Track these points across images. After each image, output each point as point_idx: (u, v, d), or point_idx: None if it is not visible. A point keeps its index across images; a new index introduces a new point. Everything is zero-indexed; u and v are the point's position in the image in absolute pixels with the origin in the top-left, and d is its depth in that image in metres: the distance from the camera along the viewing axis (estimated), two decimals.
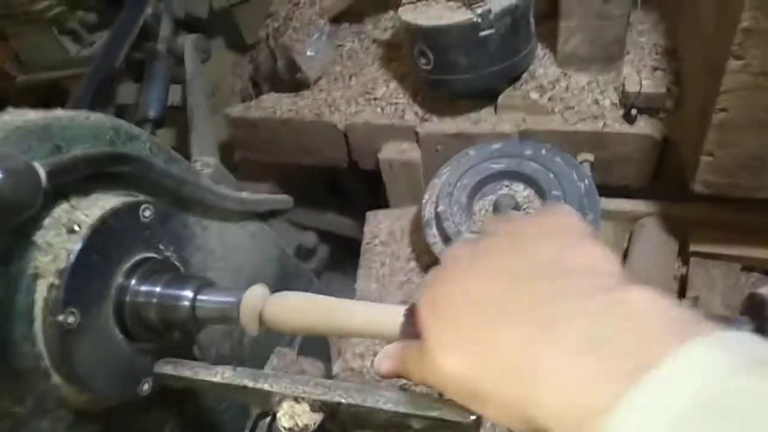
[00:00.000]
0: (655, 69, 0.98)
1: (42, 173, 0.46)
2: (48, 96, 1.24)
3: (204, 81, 1.23)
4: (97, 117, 0.57)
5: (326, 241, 1.49)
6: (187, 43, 1.20)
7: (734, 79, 0.71)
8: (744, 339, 0.24)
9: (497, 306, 0.31)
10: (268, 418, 0.77)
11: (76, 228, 0.50)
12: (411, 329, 0.39)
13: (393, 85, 1.16)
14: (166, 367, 0.53)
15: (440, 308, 0.34)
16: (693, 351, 0.23)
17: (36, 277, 0.48)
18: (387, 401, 0.44)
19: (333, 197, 1.54)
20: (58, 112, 0.56)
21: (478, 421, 0.41)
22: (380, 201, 1.25)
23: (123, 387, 0.55)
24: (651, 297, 0.27)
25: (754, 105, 0.72)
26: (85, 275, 0.50)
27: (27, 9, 1.02)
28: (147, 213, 0.57)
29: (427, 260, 0.95)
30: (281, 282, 0.92)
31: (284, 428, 0.47)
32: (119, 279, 0.54)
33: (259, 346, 0.86)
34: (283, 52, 1.29)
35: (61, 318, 0.48)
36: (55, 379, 0.50)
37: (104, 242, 0.52)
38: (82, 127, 0.55)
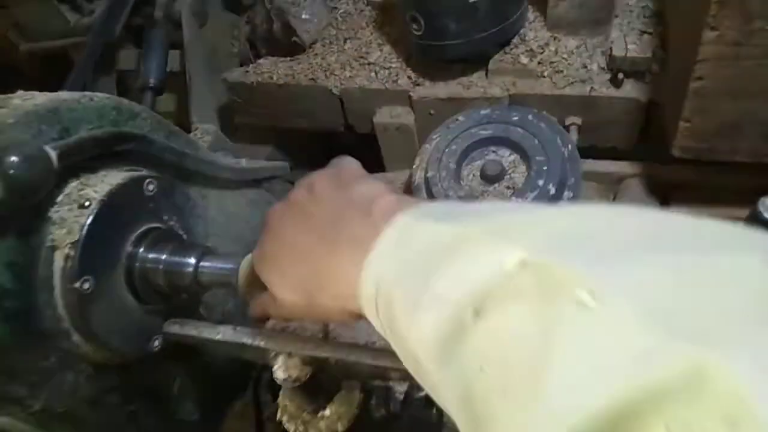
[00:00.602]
0: (643, 33, 0.99)
1: (53, 156, 0.50)
2: (52, 64, 1.27)
3: (202, 46, 1.25)
4: (100, 98, 0.62)
5: None
6: (184, 8, 1.21)
7: (710, 49, 0.73)
8: (433, 205, 0.38)
9: (300, 246, 0.42)
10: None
11: (87, 203, 0.55)
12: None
13: (387, 49, 1.18)
14: (174, 327, 0.60)
15: (269, 260, 0.45)
16: (399, 219, 0.36)
17: (53, 249, 0.54)
18: (367, 356, 0.50)
19: (333, 158, 1.57)
20: (64, 95, 0.60)
21: None
22: (380, 162, 1.29)
23: (135, 344, 0.61)
24: (390, 200, 0.40)
25: (729, 74, 0.74)
26: (97, 246, 0.56)
27: None
28: (151, 186, 0.62)
29: None
30: None
31: (279, 379, 0.53)
32: (128, 248, 0.60)
33: None
34: (278, 14, 1.30)
35: (77, 285, 0.54)
36: (75, 338, 0.56)
37: (113, 215, 0.57)
38: (87, 108, 0.59)
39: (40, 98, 0.59)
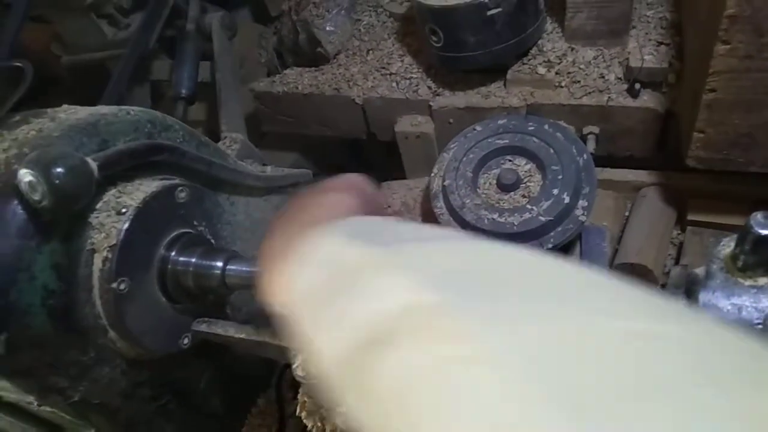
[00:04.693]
0: (660, 43, 1.00)
1: (94, 167, 0.55)
2: (90, 74, 1.34)
3: (231, 57, 1.30)
4: (136, 111, 0.66)
5: None
6: (215, 21, 1.26)
7: (721, 62, 0.74)
8: (355, 222, 0.39)
9: (274, 248, 0.43)
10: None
11: (124, 210, 0.60)
12: None
13: (408, 59, 1.21)
14: (202, 326, 0.64)
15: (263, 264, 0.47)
16: (315, 234, 0.38)
17: (93, 252, 0.58)
18: None
19: (356, 165, 1.61)
20: (103, 109, 0.65)
21: None
22: (401, 169, 1.32)
23: (167, 341, 0.65)
24: (328, 211, 0.42)
25: (740, 86, 0.76)
26: (133, 249, 0.60)
27: None
28: (182, 194, 0.66)
29: None
30: None
31: (299, 376, 0.56)
32: (161, 251, 0.64)
33: None
34: (304, 26, 1.34)
35: (114, 285, 0.58)
36: (112, 334, 0.61)
37: (147, 221, 0.61)
38: (124, 122, 0.64)
39: (81, 112, 0.64)
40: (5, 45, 0.80)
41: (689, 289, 0.46)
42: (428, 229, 0.37)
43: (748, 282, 0.43)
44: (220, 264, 0.65)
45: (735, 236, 0.44)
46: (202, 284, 0.65)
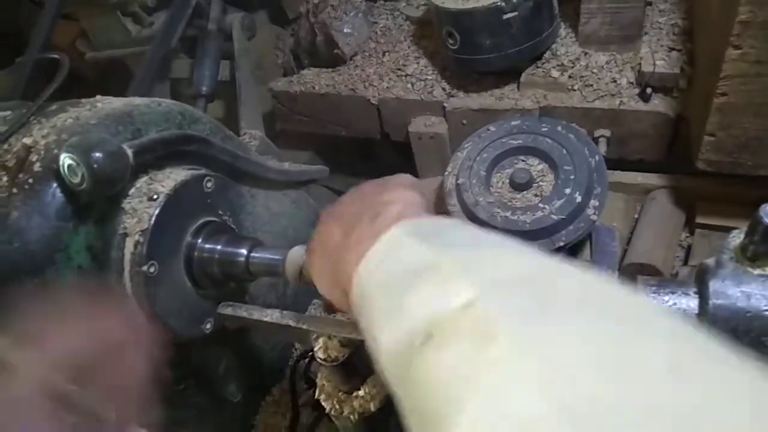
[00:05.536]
0: (671, 49, 1.03)
1: (130, 153, 0.58)
2: (112, 72, 1.37)
3: (250, 57, 1.33)
4: (167, 103, 0.69)
5: None
6: (235, 22, 1.30)
7: (733, 67, 0.77)
8: (427, 222, 0.40)
9: (329, 241, 0.46)
10: (307, 360, 0.90)
11: (155, 196, 0.62)
12: None
13: (423, 61, 1.24)
14: (227, 309, 0.66)
15: (310, 253, 0.50)
16: (392, 231, 0.39)
17: (125, 235, 0.61)
18: None
19: (368, 164, 1.64)
20: (136, 100, 0.68)
21: None
22: (413, 168, 1.34)
23: (190, 324, 0.67)
24: (396, 208, 0.42)
25: (751, 91, 0.78)
26: (163, 234, 0.62)
27: None
28: (209, 184, 0.69)
29: None
30: None
31: (320, 358, 0.59)
32: (188, 238, 0.66)
33: (299, 298, 0.98)
34: (321, 28, 1.37)
35: (144, 268, 0.60)
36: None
37: (177, 208, 0.64)
38: (156, 112, 0.67)
39: (116, 103, 0.66)
40: (39, 39, 0.83)
41: (700, 278, 0.48)
42: (486, 235, 0.38)
43: (758, 271, 0.45)
44: (244, 251, 0.67)
45: (745, 228, 0.46)
46: (227, 270, 0.67)
